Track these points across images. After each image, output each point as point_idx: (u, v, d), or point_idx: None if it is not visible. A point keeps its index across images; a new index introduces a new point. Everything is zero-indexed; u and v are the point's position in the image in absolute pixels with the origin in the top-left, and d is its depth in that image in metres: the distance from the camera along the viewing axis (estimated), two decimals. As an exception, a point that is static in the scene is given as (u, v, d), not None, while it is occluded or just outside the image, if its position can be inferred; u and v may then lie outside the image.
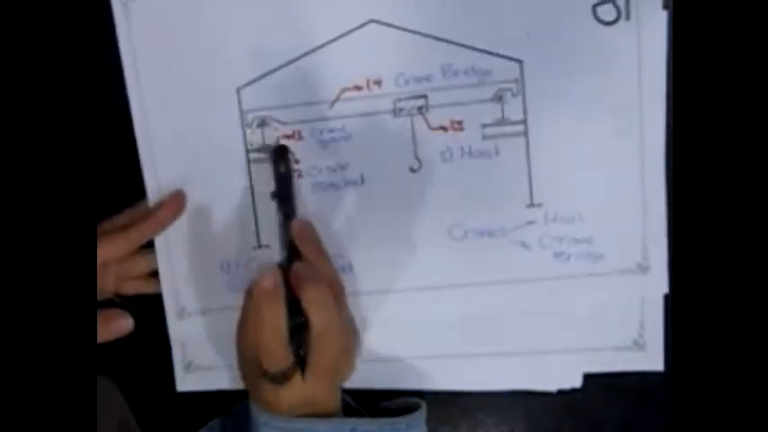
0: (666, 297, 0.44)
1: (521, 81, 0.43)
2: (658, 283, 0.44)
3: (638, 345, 0.45)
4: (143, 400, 0.51)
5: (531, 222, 0.45)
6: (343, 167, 0.45)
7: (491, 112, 0.44)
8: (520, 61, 0.43)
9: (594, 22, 0.42)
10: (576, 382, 0.46)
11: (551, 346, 0.46)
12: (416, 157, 0.45)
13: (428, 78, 0.44)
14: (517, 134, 0.44)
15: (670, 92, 0.42)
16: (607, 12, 0.42)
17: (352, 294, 0.45)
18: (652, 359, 0.45)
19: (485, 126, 0.44)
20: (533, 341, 0.46)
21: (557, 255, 0.45)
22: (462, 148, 0.44)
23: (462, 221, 0.45)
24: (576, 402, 0.47)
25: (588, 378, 0.46)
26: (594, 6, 0.42)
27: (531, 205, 0.44)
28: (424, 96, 0.44)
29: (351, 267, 0.46)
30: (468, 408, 0.49)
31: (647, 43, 0.42)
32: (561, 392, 0.46)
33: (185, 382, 0.49)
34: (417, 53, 0.44)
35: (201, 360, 0.48)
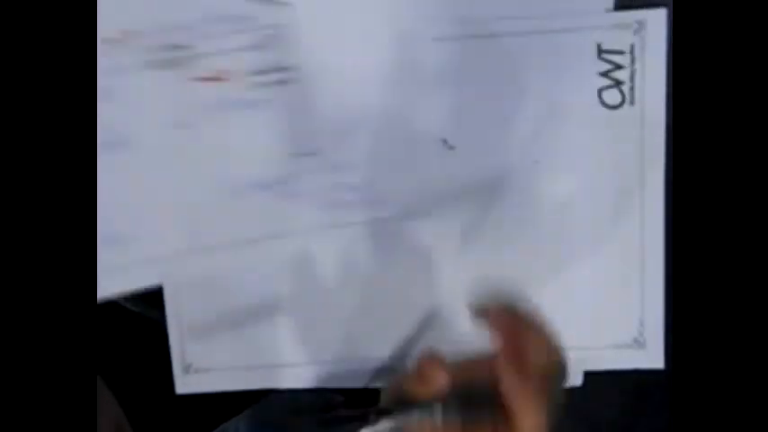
0: (666, 295, 0.44)
1: (290, 26, 0.41)
2: None
3: (639, 343, 0.45)
4: (142, 403, 0.51)
5: (305, 172, 0.43)
6: (105, 128, 0.41)
7: (260, 59, 0.41)
8: (289, 4, 0.41)
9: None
10: (576, 381, 0.46)
11: (551, 345, 0.46)
12: (182, 112, 0.42)
13: (191, 26, 0.41)
14: (288, 81, 0.42)
15: (670, 91, 0.43)
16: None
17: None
18: (652, 357, 0.45)
19: (253, 74, 0.42)
20: (533, 340, 0.46)
21: (332, 203, 0.43)
22: (231, 99, 0.42)
23: (236, 176, 0.43)
24: (576, 402, 0.47)
25: (588, 377, 0.46)
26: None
27: (306, 155, 0.43)
28: (188, 46, 0.41)
29: (124, 237, 0.43)
30: (468, 408, 0.49)
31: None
32: (561, 392, 0.46)
33: (185, 384, 0.48)
34: (178, 0, 0.41)
35: (201, 362, 0.48)
